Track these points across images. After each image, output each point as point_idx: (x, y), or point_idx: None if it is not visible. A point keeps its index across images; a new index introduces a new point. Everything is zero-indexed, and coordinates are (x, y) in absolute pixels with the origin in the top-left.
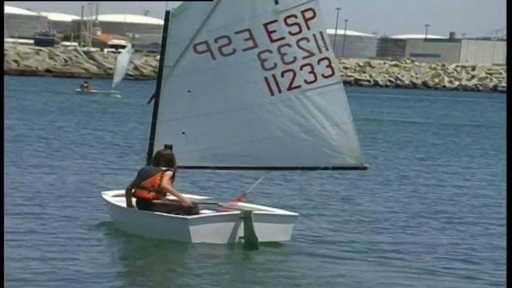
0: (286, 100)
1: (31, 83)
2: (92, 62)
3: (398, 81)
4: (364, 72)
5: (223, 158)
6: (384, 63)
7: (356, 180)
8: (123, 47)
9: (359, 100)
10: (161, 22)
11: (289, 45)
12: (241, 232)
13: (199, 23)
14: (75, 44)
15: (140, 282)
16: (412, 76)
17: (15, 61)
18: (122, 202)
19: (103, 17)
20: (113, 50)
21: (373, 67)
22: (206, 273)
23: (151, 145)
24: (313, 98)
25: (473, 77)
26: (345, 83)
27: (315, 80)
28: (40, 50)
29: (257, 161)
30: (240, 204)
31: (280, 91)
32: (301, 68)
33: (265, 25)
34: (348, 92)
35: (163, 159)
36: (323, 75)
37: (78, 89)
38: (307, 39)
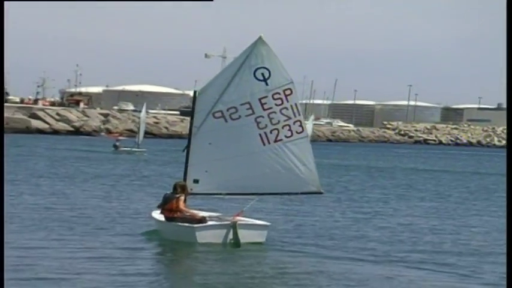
0: (273, 149)
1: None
2: None
3: (458, 141)
4: (431, 134)
5: (232, 188)
6: (447, 127)
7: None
8: None
9: (433, 156)
10: None
11: (275, 112)
12: (230, 235)
13: (216, 98)
14: None
15: (158, 265)
16: (468, 136)
17: (166, 127)
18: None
19: None
20: None
21: (438, 130)
22: (206, 262)
23: (184, 180)
24: (290, 147)
25: None
26: (416, 142)
27: (291, 135)
28: (184, 119)
29: (253, 189)
30: (238, 218)
31: (269, 143)
32: (282, 127)
33: (259, 99)
34: (418, 149)
35: (179, 187)
36: (296, 132)
37: None
38: (287, 108)
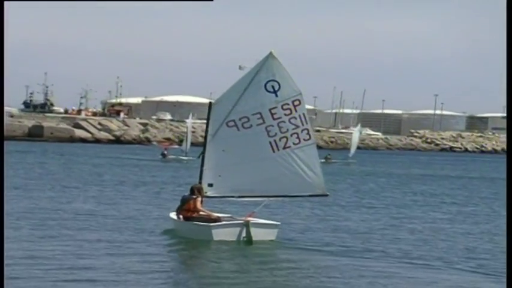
0: (282, 155)
1: None
2: None
3: (483, 148)
4: (457, 142)
5: (244, 191)
6: (472, 135)
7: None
8: None
9: (460, 163)
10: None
11: (284, 122)
12: (243, 234)
13: (229, 109)
14: None
15: (180, 261)
16: (493, 144)
17: (202, 136)
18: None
19: None
20: None
21: (464, 138)
22: (222, 258)
23: (199, 183)
24: (298, 153)
25: None
26: (442, 149)
27: (299, 142)
28: None
29: (263, 192)
30: (249, 218)
31: (278, 149)
32: (291, 135)
33: (269, 110)
34: (445, 156)
35: (195, 189)
36: (304, 139)
37: (323, 160)
38: (295, 118)
